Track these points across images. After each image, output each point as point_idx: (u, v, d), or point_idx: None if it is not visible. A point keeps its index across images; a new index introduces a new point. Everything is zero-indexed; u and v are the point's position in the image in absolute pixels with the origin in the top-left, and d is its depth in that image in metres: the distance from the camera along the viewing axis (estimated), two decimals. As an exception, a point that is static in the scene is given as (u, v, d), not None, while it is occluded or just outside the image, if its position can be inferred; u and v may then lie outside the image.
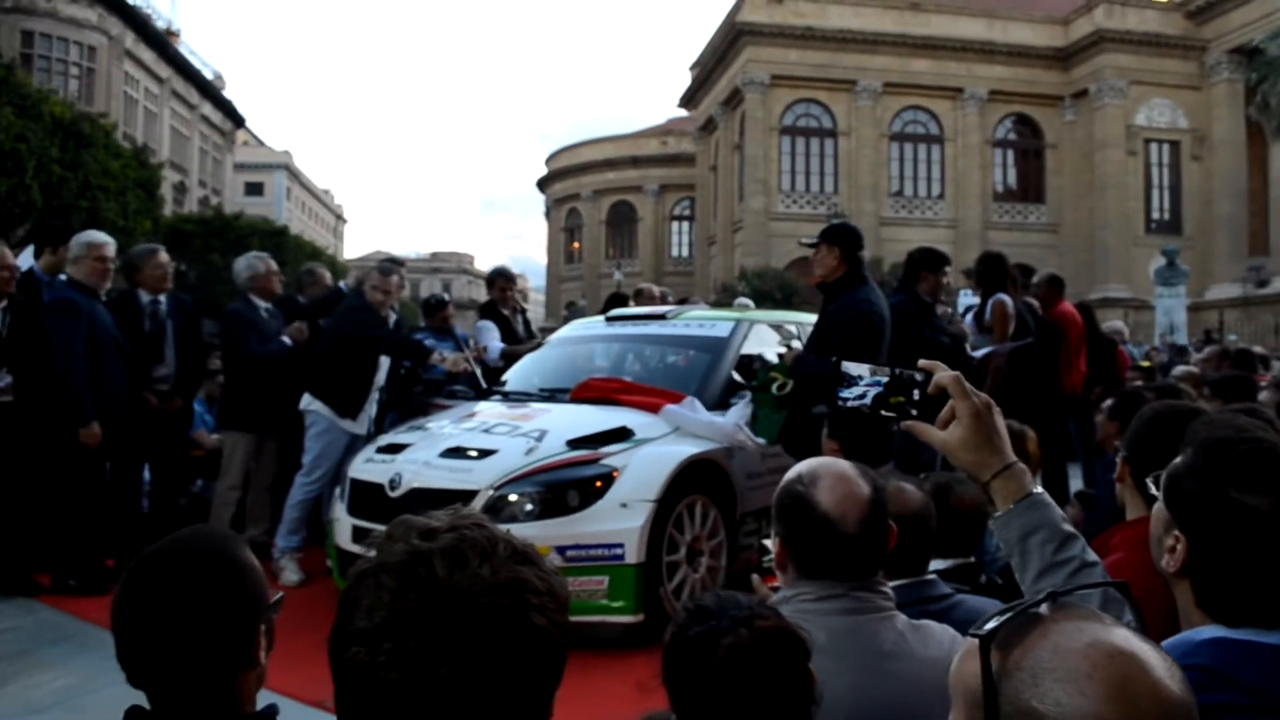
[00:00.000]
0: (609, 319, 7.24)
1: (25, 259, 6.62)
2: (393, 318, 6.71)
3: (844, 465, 1.96)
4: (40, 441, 5.70)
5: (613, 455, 5.03)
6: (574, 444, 5.08)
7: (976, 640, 0.91)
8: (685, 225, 54.10)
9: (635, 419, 5.40)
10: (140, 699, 1.44)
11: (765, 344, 6.46)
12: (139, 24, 37.02)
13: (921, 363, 1.64)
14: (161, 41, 39.38)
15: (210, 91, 45.48)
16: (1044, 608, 0.93)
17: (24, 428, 5.56)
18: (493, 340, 7.66)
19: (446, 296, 9.00)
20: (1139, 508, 2.24)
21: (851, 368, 1.66)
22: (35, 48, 32.52)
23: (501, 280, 8.33)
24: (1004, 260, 6.98)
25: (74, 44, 33.60)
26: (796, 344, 5.63)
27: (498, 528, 1.02)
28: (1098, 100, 39.77)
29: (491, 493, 4.81)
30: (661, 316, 6.86)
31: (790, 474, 1.98)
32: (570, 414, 5.62)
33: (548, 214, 61.53)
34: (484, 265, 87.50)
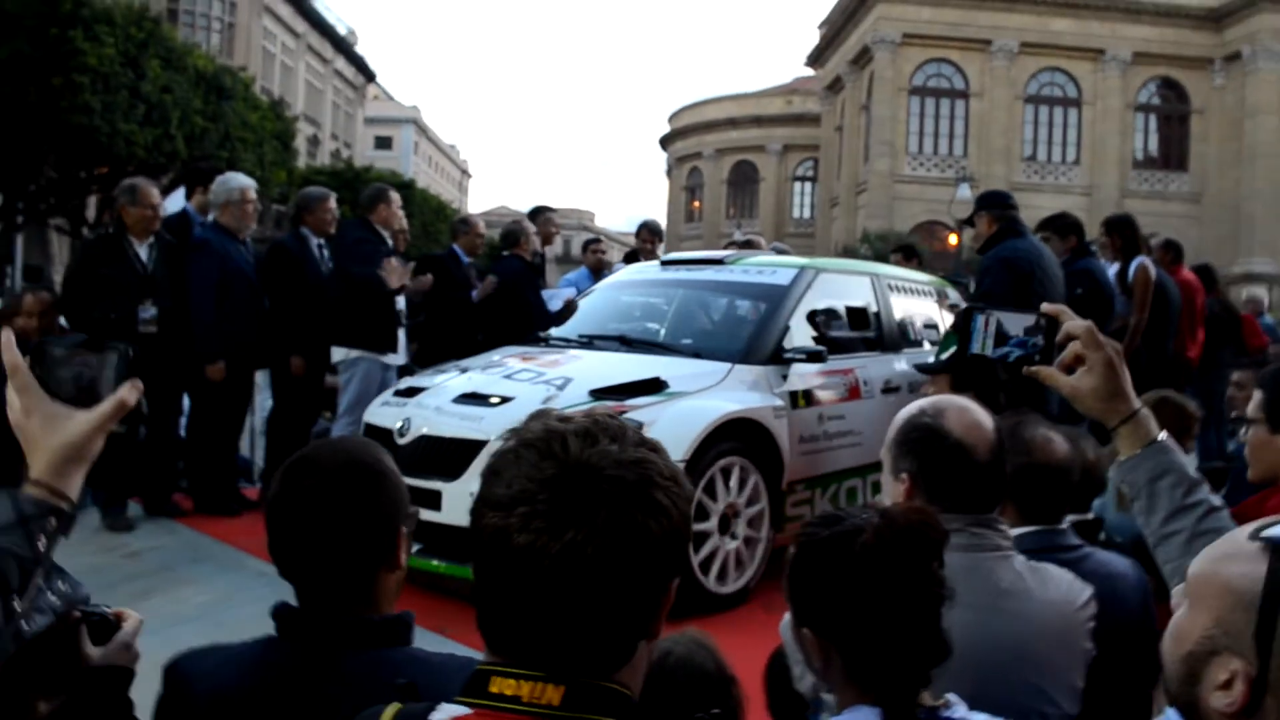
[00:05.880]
0: (664, 263, 6.94)
1: (175, 201, 6.93)
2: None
3: (962, 399, 1.98)
4: (182, 372, 6.01)
5: (640, 409, 4.54)
6: (598, 394, 4.70)
7: (1258, 543, 0.93)
8: (808, 186, 53.26)
9: (673, 369, 5.00)
10: (286, 596, 1.56)
11: (834, 296, 6.02)
12: (278, -21, 38.10)
13: (1045, 307, 1.68)
14: (298, -3, 40.45)
15: (343, 47, 46.56)
16: None
17: (168, 359, 5.82)
18: None
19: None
20: None
21: (1009, 321, 1.70)
22: (180, 2, 33.74)
23: (645, 231, 9.18)
24: (1135, 222, 6.94)
25: (217, -1, 34.81)
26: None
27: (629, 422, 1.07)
28: (1251, 64, 37.43)
29: (499, 444, 4.68)
30: (719, 261, 6.41)
31: (910, 410, 1.98)
32: (601, 361, 5.32)
33: (669, 172, 61.25)
34: (602, 223, 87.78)
